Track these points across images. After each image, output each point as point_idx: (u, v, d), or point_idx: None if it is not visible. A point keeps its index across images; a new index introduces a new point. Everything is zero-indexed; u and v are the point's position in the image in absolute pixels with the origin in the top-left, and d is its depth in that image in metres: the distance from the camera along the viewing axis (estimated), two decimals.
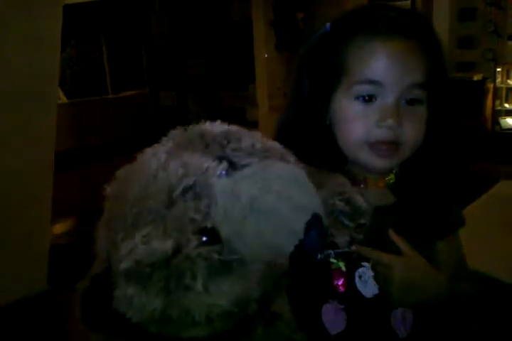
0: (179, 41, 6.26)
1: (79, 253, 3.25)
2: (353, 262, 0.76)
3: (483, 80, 5.45)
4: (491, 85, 5.43)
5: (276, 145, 0.57)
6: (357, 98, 0.75)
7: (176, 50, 6.33)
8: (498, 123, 5.42)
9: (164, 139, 0.55)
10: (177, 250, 0.47)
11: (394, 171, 0.82)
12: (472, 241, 0.89)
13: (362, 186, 0.80)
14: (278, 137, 0.83)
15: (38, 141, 2.54)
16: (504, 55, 5.50)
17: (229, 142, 0.52)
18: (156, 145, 0.55)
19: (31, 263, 2.57)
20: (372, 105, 0.75)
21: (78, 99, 6.52)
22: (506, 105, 5.55)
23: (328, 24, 0.81)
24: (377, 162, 0.77)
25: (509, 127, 5.36)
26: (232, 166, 0.50)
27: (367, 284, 0.77)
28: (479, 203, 1.78)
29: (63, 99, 6.14)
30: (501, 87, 5.49)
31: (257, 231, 0.47)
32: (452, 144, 0.83)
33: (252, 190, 0.48)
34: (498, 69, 5.41)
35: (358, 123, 0.76)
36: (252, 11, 5.09)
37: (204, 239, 0.47)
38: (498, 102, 5.49)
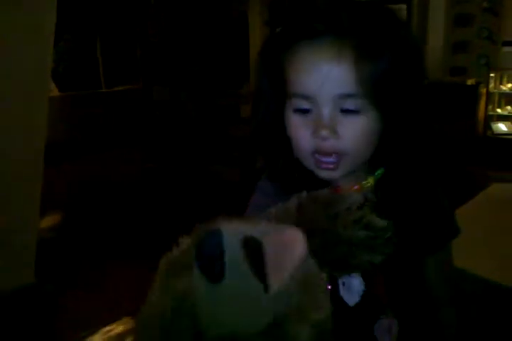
0: (174, 36, 6.24)
1: (66, 247, 3.25)
2: None
3: (477, 85, 5.48)
4: (484, 90, 5.47)
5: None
6: (295, 111, 0.74)
7: (171, 46, 6.31)
8: (490, 128, 5.46)
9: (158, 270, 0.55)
10: None
11: (377, 173, 0.80)
12: (464, 242, 0.88)
13: (337, 190, 0.78)
14: (252, 144, 0.83)
15: (28, 133, 2.51)
16: (498, 60, 5.54)
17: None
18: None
19: (19, 256, 2.55)
20: (308, 117, 0.73)
21: (70, 92, 6.48)
22: (499, 110, 5.59)
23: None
24: (321, 173, 0.75)
25: (501, 132, 5.40)
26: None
27: (350, 292, 0.76)
28: (471, 205, 1.78)
29: (55, 92, 6.09)
30: (494, 92, 5.53)
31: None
32: (432, 147, 0.79)
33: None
34: (492, 75, 5.45)
35: (298, 134, 0.74)
36: (249, 9, 5.08)
37: None
38: (490, 107, 5.53)
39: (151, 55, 6.60)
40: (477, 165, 4.46)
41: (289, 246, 0.49)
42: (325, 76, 0.69)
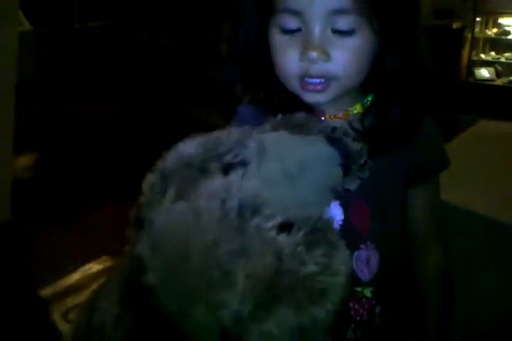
0: None
1: (43, 187, 3.21)
2: None
3: (462, 29, 5.37)
4: (469, 35, 5.37)
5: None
6: (281, 30, 0.68)
7: None
8: (473, 74, 5.40)
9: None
10: None
11: (366, 100, 0.75)
12: (451, 175, 0.86)
13: (323, 118, 0.74)
14: (232, 68, 0.78)
15: None
16: (485, 4, 5.40)
17: None
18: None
19: None
20: (296, 37, 0.67)
21: (43, 28, 6.20)
22: (482, 56, 5.52)
23: None
24: (306, 96, 0.70)
25: (483, 78, 5.35)
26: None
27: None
28: (458, 140, 1.73)
29: (26, 26, 5.81)
30: (479, 37, 5.44)
31: None
32: (425, 75, 0.73)
33: None
34: (478, 19, 5.33)
35: (284, 56, 0.68)
36: None
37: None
38: (474, 52, 5.45)
39: None
40: (456, 111, 4.45)
41: None
42: None
